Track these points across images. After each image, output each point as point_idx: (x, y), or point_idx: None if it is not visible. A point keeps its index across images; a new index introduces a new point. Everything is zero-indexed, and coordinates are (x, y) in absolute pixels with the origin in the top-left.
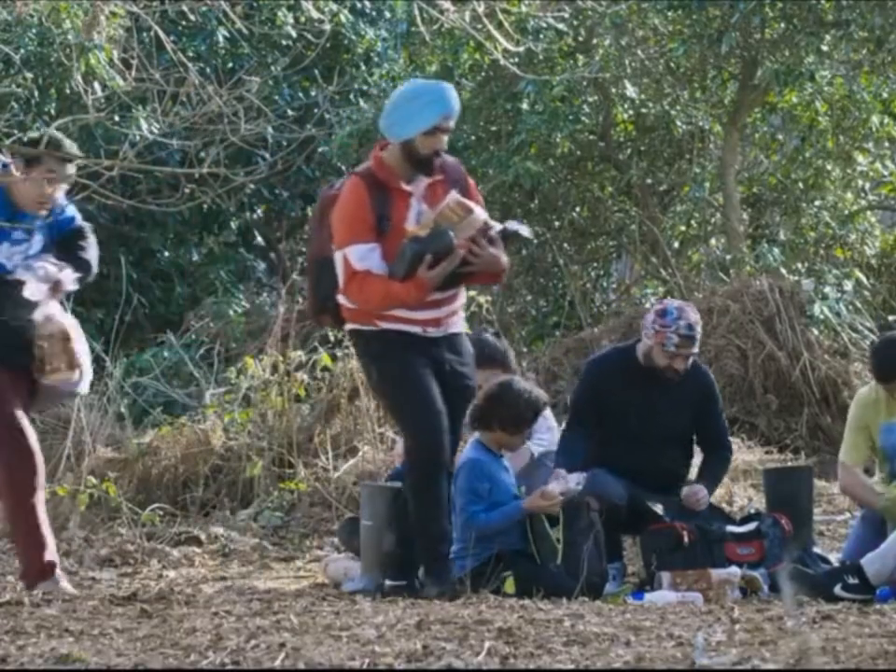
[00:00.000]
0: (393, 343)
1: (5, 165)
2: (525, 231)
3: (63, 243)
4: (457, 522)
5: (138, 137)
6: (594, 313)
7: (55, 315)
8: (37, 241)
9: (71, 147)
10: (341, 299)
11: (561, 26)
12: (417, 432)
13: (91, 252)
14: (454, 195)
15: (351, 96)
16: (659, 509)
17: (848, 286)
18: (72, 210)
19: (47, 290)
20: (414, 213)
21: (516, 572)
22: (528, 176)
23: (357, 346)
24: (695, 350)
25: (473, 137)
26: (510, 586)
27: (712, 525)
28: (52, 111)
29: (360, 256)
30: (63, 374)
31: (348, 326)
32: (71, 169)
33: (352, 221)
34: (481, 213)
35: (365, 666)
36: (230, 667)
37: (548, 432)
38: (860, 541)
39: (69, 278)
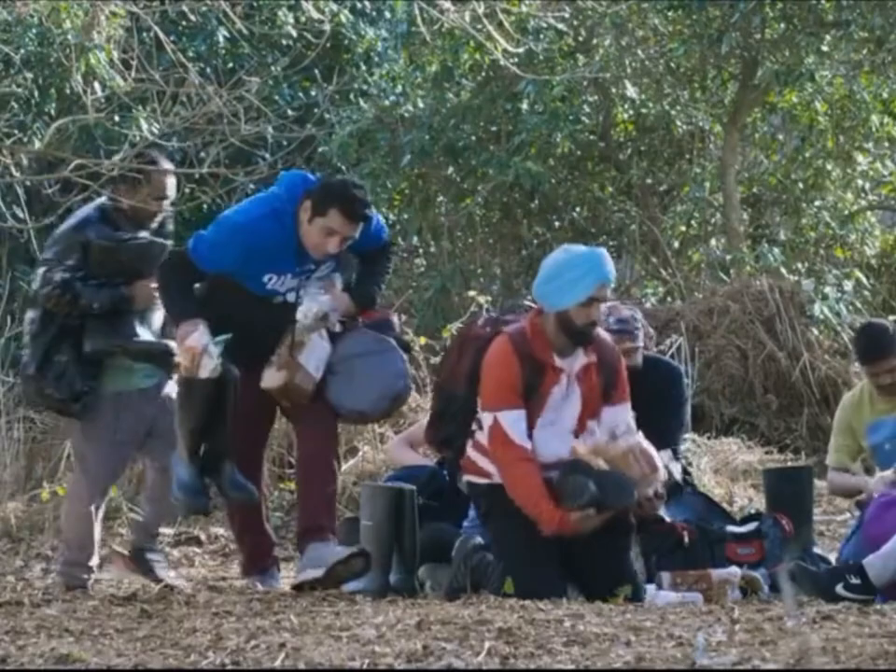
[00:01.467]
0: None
1: (308, 192)
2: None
3: (368, 258)
4: None
5: (138, 137)
6: None
7: (315, 339)
8: (326, 266)
9: (362, 208)
10: (472, 454)
11: (561, 26)
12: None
13: (383, 279)
14: (639, 440)
15: (351, 96)
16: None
17: (848, 286)
18: (379, 220)
19: (313, 318)
20: (562, 390)
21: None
22: (528, 176)
23: (474, 500)
24: (636, 343)
25: (473, 137)
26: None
27: (712, 524)
28: (52, 111)
29: (512, 422)
30: (271, 375)
31: (465, 477)
32: (357, 230)
33: (501, 386)
34: (661, 468)
35: (365, 666)
36: (230, 667)
37: None
38: (857, 544)
39: (335, 318)
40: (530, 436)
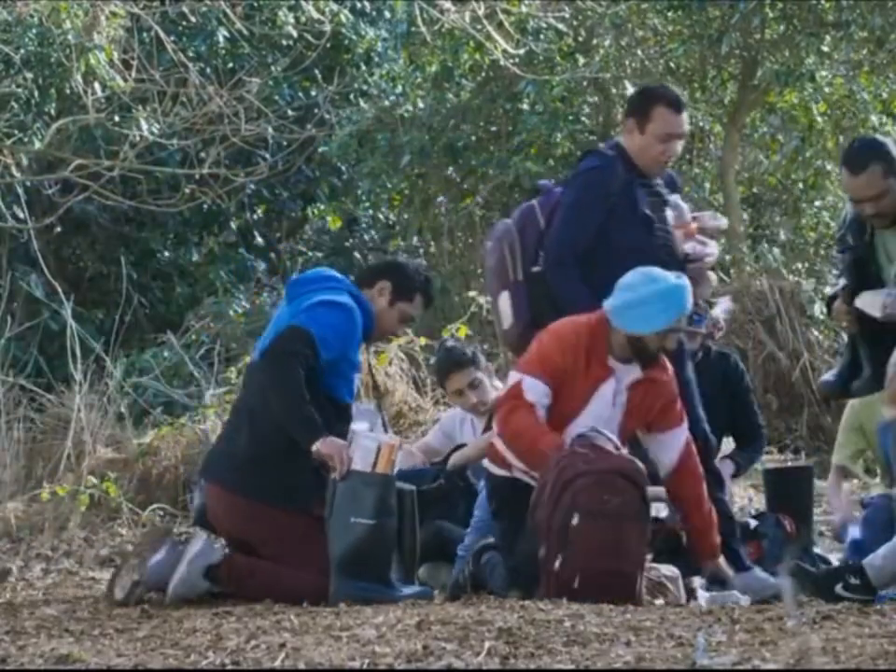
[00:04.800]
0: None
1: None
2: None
3: None
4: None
5: (138, 138)
6: None
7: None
8: None
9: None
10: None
11: (561, 26)
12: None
13: None
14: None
15: (351, 96)
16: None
17: None
18: None
19: None
20: (610, 392)
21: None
22: (528, 176)
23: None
24: (700, 329)
25: (473, 137)
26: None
27: None
28: (52, 111)
29: (532, 386)
30: None
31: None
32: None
33: (547, 359)
34: None
35: (365, 666)
36: (230, 667)
37: None
38: (859, 544)
39: None
40: (564, 424)
